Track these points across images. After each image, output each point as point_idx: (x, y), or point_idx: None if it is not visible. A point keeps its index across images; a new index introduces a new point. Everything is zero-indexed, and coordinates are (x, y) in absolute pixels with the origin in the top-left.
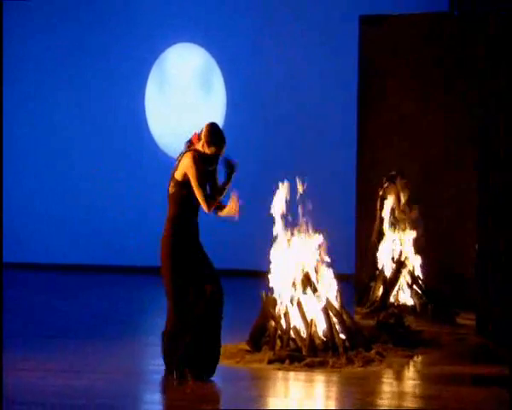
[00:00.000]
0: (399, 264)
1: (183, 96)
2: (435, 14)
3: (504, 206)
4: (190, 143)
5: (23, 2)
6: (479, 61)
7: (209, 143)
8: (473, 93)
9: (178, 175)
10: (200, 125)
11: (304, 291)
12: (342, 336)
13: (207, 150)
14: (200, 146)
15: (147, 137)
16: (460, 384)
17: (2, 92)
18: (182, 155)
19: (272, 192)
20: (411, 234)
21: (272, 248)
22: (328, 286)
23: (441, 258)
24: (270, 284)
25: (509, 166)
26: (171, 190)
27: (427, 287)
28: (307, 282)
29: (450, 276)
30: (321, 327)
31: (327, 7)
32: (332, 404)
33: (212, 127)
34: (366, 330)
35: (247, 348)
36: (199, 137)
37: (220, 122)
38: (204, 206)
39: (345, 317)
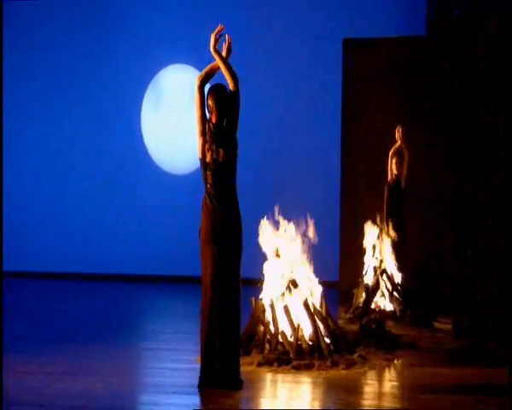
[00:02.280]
0: (380, 272)
1: (177, 114)
2: (412, 37)
3: (504, 206)
4: None
5: (23, 3)
6: (479, 61)
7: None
8: (473, 93)
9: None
10: (193, 143)
11: (289, 293)
12: (327, 340)
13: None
14: None
15: (142, 150)
16: (438, 385)
17: (2, 92)
18: None
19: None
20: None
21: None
22: (314, 292)
23: (421, 260)
24: (261, 291)
25: (509, 166)
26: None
27: (407, 293)
28: (292, 285)
29: (429, 277)
30: (307, 332)
31: (316, 28)
32: (318, 404)
33: None
34: (350, 335)
35: None
36: None
37: None
38: None
39: (329, 322)
